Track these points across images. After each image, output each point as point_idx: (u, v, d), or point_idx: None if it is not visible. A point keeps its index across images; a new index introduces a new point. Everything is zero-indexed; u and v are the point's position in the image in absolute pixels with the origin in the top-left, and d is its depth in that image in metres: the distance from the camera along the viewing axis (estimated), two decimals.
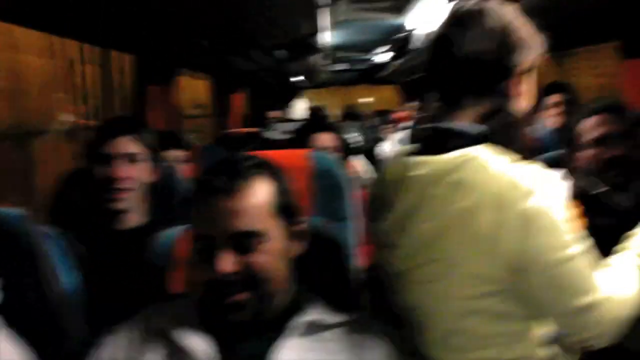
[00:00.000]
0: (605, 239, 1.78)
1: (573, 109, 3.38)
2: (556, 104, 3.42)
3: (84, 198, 1.84)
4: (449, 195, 1.09)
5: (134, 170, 1.76)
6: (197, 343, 1.10)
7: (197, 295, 1.13)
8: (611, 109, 1.93)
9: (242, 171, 1.11)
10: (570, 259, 1.08)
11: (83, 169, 1.84)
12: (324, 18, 4.14)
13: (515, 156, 1.12)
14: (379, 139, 6.55)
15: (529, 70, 1.21)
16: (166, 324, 1.14)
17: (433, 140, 1.18)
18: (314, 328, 1.15)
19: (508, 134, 1.15)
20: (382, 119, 7.87)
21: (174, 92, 3.62)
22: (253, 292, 1.08)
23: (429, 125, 1.21)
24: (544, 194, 1.07)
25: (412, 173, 1.16)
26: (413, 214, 1.14)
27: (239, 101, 6.38)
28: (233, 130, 5.32)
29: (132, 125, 1.82)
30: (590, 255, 1.14)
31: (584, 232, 1.17)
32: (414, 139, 1.25)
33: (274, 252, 1.11)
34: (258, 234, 1.09)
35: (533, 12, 1.29)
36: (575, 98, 3.44)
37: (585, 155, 1.92)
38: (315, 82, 11.58)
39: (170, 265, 1.38)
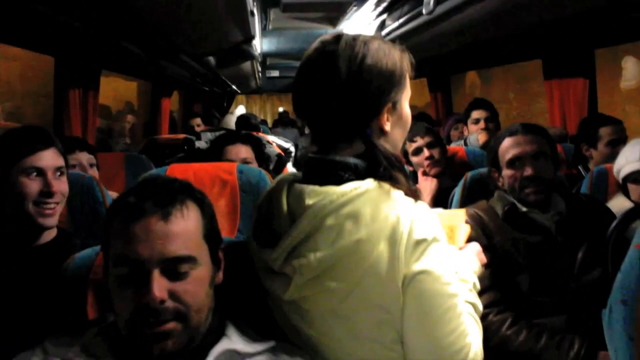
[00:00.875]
0: (534, 254, 1.85)
1: (494, 124, 3.54)
2: (478, 120, 3.55)
3: None
4: (344, 226, 1.09)
5: (62, 183, 1.71)
6: None
7: (121, 323, 1.06)
8: (526, 129, 2.00)
9: (173, 195, 1.09)
10: (451, 296, 1.14)
11: None
12: (256, 26, 4.09)
13: (400, 188, 1.15)
14: None
15: (396, 104, 1.22)
16: (73, 356, 1.07)
17: (322, 170, 1.18)
18: (233, 357, 1.10)
19: (387, 169, 1.16)
20: None
21: (97, 95, 3.48)
22: (181, 322, 1.04)
23: (317, 155, 1.20)
24: (432, 228, 1.13)
25: (306, 202, 1.13)
26: (307, 243, 1.12)
27: (168, 105, 6.23)
28: (160, 136, 5.21)
29: (50, 136, 1.73)
30: (464, 302, 1.21)
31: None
32: (302, 166, 1.24)
33: (203, 279, 1.09)
34: (190, 259, 1.06)
35: (462, 30, 1.31)
36: (496, 114, 3.59)
37: (505, 175, 1.98)
38: (249, 89, 11.49)
39: (88, 288, 1.30)
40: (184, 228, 1.07)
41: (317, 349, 1.19)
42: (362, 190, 1.11)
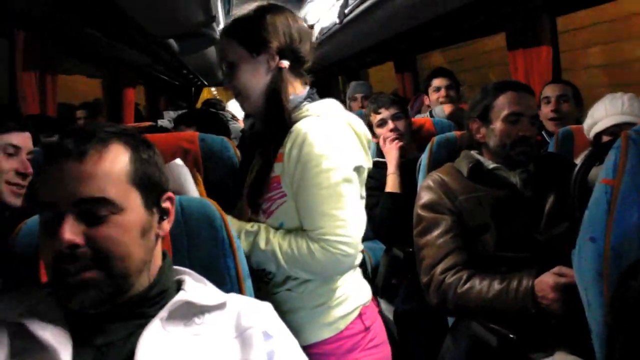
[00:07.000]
0: (500, 210, 1.83)
1: (455, 92, 3.54)
2: (439, 88, 3.57)
3: None
4: None
5: (30, 167, 1.72)
6: (51, 335, 0.97)
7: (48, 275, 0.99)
8: (527, 89, 1.96)
9: (95, 135, 1.01)
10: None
11: None
12: (219, 7, 4.02)
13: None
14: None
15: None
16: (21, 316, 1.00)
17: None
18: (187, 310, 1.05)
19: None
20: None
21: (55, 80, 3.38)
22: (102, 270, 0.97)
23: None
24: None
25: None
26: None
27: (133, 95, 6.12)
28: (127, 124, 5.12)
29: (26, 120, 1.81)
30: None
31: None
32: None
33: (128, 226, 1.00)
34: (108, 202, 0.97)
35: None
36: (457, 83, 3.59)
37: (497, 128, 1.93)
38: (216, 81, 11.37)
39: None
40: (102, 169, 0.98)
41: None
42: None
